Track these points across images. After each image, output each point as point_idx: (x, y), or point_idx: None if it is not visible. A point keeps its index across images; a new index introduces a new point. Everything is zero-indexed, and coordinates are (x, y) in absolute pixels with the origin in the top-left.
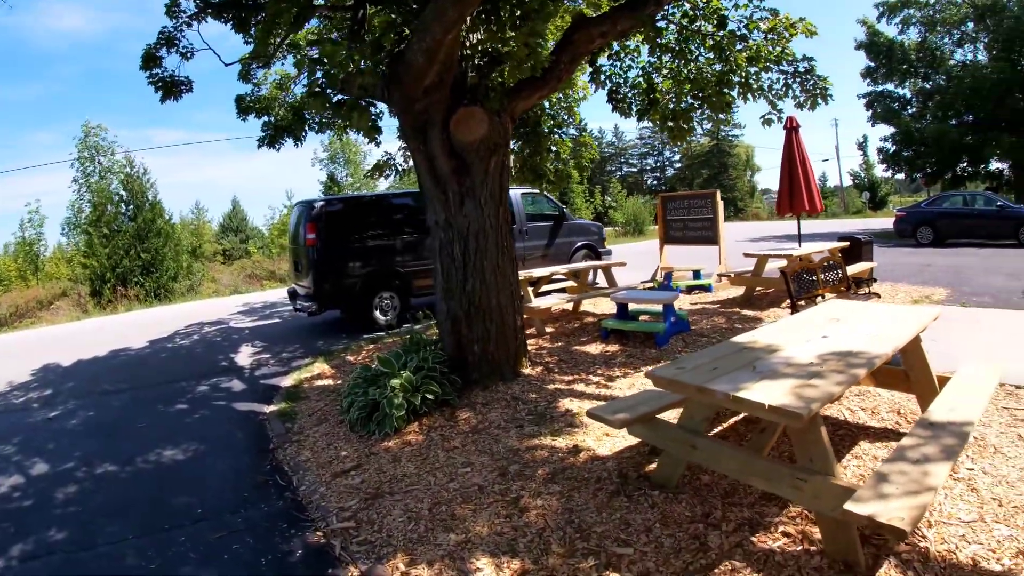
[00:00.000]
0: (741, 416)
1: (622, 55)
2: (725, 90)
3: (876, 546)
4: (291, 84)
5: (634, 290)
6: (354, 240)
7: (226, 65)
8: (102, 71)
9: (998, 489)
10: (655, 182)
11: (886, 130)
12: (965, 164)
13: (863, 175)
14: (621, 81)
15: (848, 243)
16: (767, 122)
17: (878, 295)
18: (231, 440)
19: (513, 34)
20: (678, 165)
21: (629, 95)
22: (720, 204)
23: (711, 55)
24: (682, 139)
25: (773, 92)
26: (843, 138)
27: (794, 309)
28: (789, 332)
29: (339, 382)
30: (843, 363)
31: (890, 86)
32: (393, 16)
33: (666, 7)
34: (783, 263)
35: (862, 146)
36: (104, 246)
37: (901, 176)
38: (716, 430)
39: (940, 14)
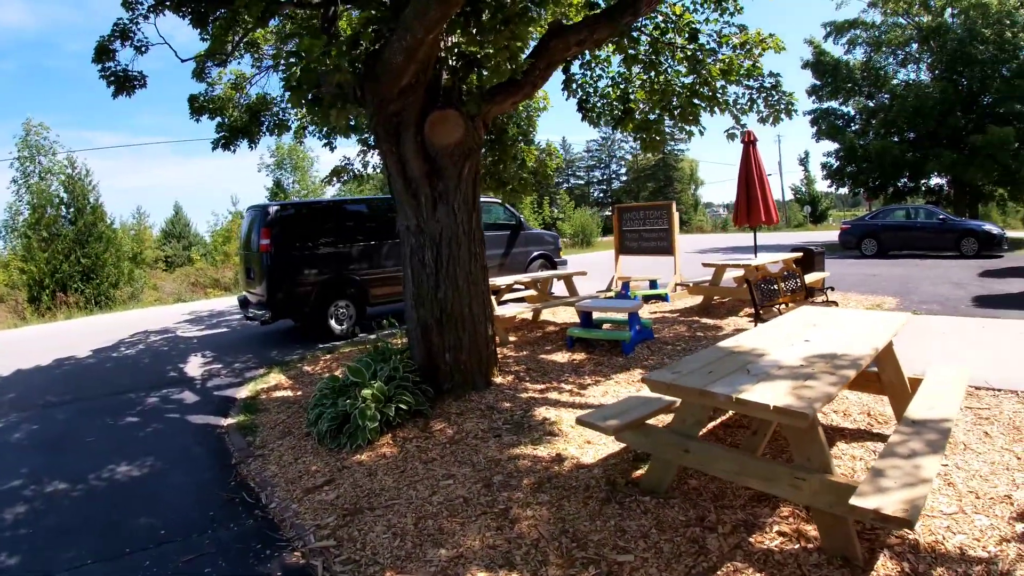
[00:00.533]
0: (720, 420)
1: (593, 65)
2: (696, 101)
3: (870, 540)
4: (246, 85)
5: (598, 299)
6: (309, 246)
7: (182, 61)
8: (41, 68)
9: (973, 483)
10: (601, 194)
11: (830, 146)
12: (906, 179)
13: (804, 189)
14: (591, 91)
15: (802, 254)
16: (731, 136)
17: (836, 303)
18: (189, 455)
19: (493, 37)
20: (624, 178)
21: (599, 104)
22: (676, 216)
23: (681, 67)
24: (655, 149)
25: (738, 107)
26: (785, 154)
27: (757, 317)
28: (771, 337)
29: (299, 393)
30: (830, 365)
31: (835, 104)
32: (373, 12)
33: (640, 19)
34: (738, 273)
35: (803, 161)
36: (43, 250)
37: (844, 191)
38: (699, 433)
39: (885, 35)
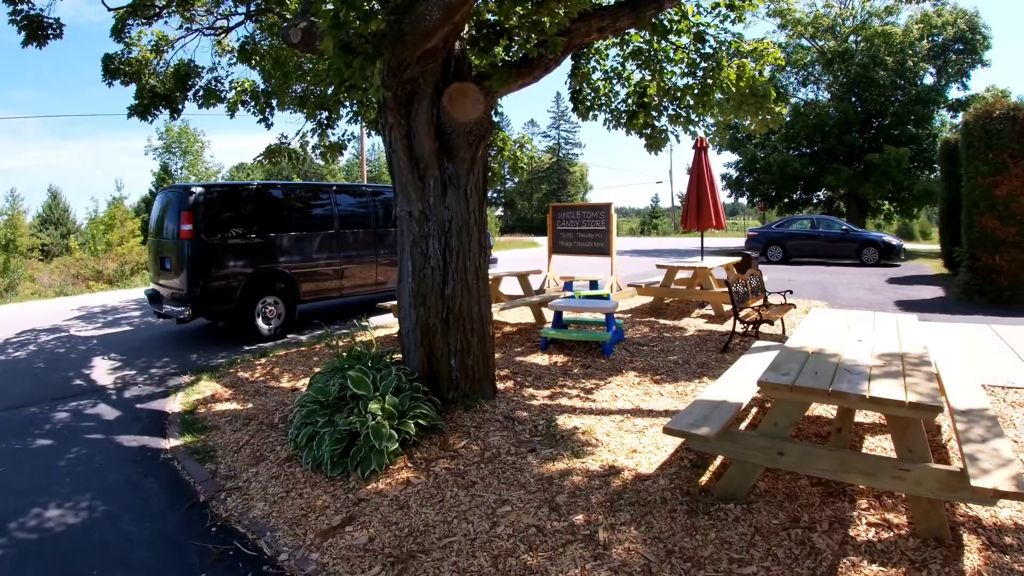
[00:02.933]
0: (748, 422)
1: (589, 55)
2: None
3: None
4: (167, 49)
5: (572, 298)
6: (237, 234)
7: (110, 10)
8: None
9: None
10: (495, 195)
11: (731, 157)
12: (800, 192)
13: None
14: (584, 84)
15: (740, 258)
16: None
17: (794, 305)
18: (138, 490)
19: (531, 6)
20: (518, 179)
21: (589, 96)
22: (614, 217)
23: (677, 69)
24: (659, 147)
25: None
26: (676, 162)
27: (736, 316)
28: (825, 338)
29: (249, 406)
30: (909, 363)
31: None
32: None
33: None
34: (684, 275)
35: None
36: None
37: (743, 200)
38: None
39: (790, 56)
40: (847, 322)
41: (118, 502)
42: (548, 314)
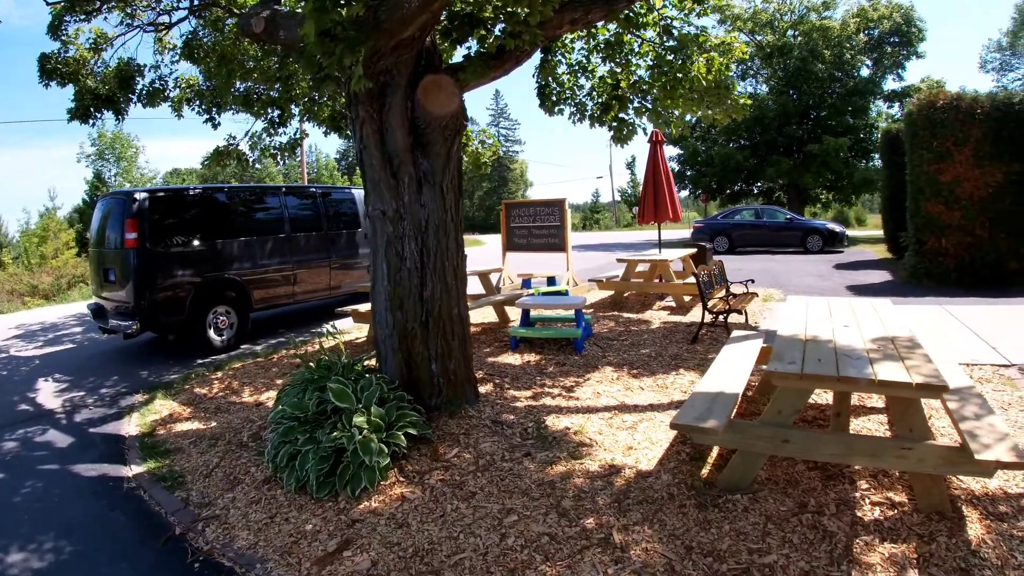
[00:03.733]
0: (736, 410)
1: (555, 49)
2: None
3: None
4: (106, 47)
5: (540, 295)
6: (184, 241)
7: (48, 4)
8: None
9: None
10: None
11: (672, 151)
12: (741, 183)
13: (631, 191)
14: (550, 78)
15: (696, 249)
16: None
17: (756, 294)
18: (106, 525)
19: None
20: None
21: (555, 91)
22: (568, 212)
23: (643, 62)
24: (626, 140)
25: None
26: (616, 158)
27: (704, 307)
28: (812, 326)
29: (212, 425)
30: (902, 346)
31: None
32: None
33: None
34: (644, 267)
35: (630, 165)
36: None
37: (684, 193)
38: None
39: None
40: (826, 309)
41: (86, 540)
42: (512, 312)
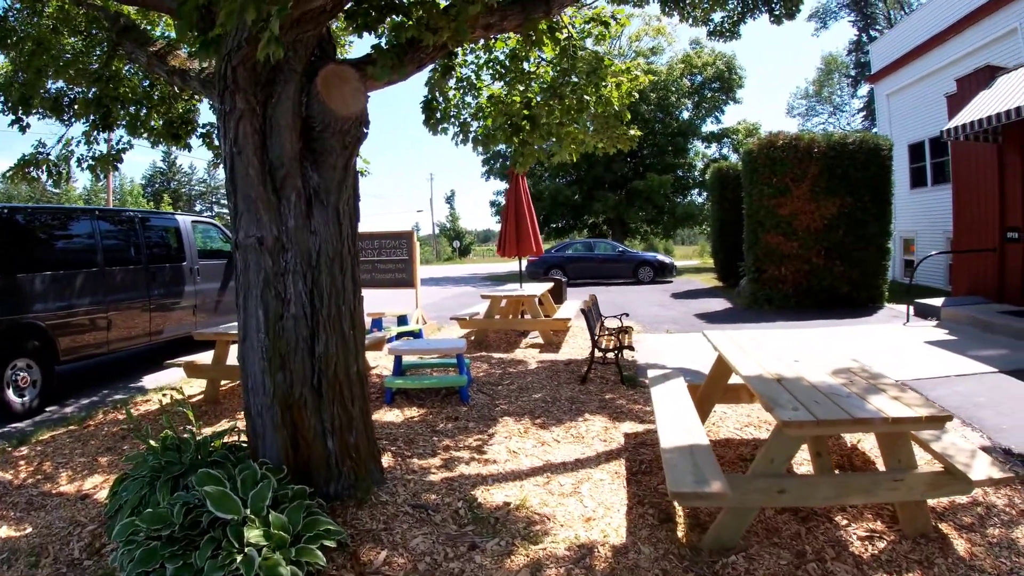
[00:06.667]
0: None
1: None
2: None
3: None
4: None
5: (412, 339)
6: None
7: None
8: None
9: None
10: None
11: (500, 186)
12: (569, 218)
13: (449, 226)
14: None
15: (553, 283)
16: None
17: (632, 328)
18: None
19: None
20: None
21: (440, 107)
22: (417, 245)
23: (536, 85)
24: (528, 165)
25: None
26: (436, 191)
27: (593, 344)
28: (764, 363)
29: (27, 530)
30: (868, 379)
31: (502, 147)
32: None
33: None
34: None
35: (450, 200)
36: None
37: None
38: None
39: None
40: (750, 343)
41: None
42: (372, 357)
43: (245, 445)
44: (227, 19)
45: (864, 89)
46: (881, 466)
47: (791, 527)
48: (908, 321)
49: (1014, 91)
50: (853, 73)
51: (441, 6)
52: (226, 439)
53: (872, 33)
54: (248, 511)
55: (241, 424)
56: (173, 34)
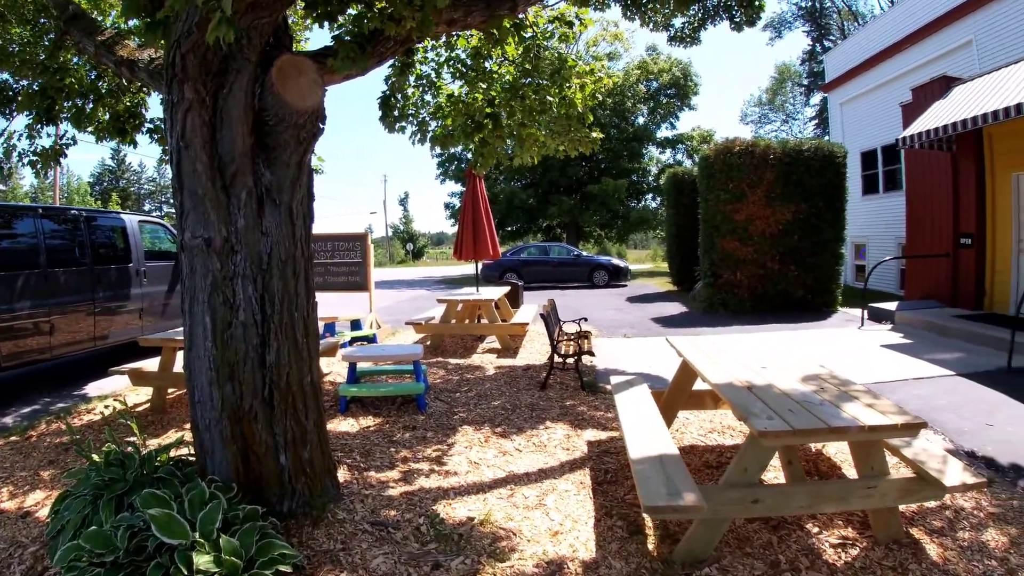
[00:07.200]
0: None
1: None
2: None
3: None
4: None
5: (366, 345)
6: None
7: None
8: None
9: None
10: None
11: (455, 188)
12: (524, 221)
13: (403, 228)
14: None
15: (510, 288)
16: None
17: (591, 332)
18: None
19: None
20: None
21: (398, 105)
22: (371, 248)
23: (497, 85)
24: (488, 164)
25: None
26: (390, 193)
27: (554, 350)
28: (733, 371)
29: None
30: (838, 386)
31: (458, 149)
32: None
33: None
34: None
35: (403, 201)
36: None
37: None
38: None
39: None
40: (714, 349)
41: None
42: (324, 363)
43: (193, 460)
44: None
45: (817, 98)
46: (847, 468)
47: (762, 536)
48: (863, 325)
49: (969, 101)
50: (806, 82)
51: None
52: (173, 453)
53: (826, 43)
54: (197, 534)
55: (189, 436)
56: (123, 24)
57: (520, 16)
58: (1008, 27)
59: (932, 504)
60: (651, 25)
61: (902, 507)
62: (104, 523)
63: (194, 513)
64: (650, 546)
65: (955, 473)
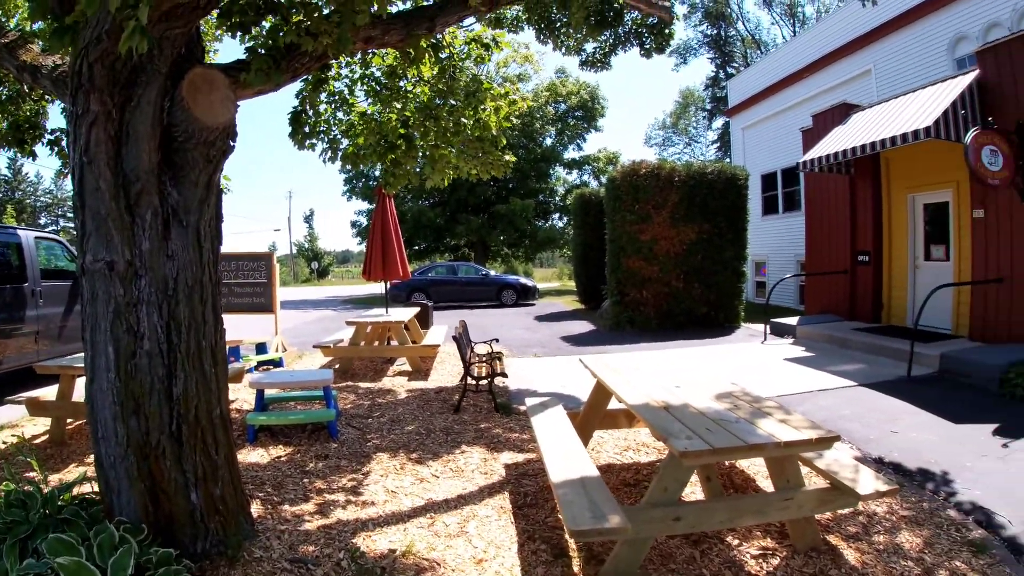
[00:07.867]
0: None
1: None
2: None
3: None
4: None
5: (274, 370)
6: None
7: None
8: None
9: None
10: None
11: (361, 206)
12: (432, 240)
13: (308, 246)
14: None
15: (420, 308)
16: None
17: (502, 353)
18: None
19: None
20: None
21: (309, 121)
22: (277, 268)
23: (411, 105)
24: (398, 186)
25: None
26: (295, 210)
27: (467, 372)
28: (647, 391)
29: None
30: (751, 403)
31: (367, 167)
32: None
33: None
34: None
35: (308, 219)
36: None
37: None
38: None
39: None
40: (625, 368)
41: None
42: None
43: (98, 498)
44: (89, 3)
45: (719, 122)
46: (761, 480)
47: (684, 551)
48: (765, 340)
49: (868, 127)
50: (709, 107)
51: (324, 12)
52: (77, 490)
53: (729, 70)
54: None
55: (92, 471)
56: (28, 27)
57: (438, 36)
58: (906, 57)
59: (846, 511)
60: (564, 49)
61: (818, 515)
62: (10, 572)
63: (104, 559)
64: (575, 568)
65: (868, 481)
